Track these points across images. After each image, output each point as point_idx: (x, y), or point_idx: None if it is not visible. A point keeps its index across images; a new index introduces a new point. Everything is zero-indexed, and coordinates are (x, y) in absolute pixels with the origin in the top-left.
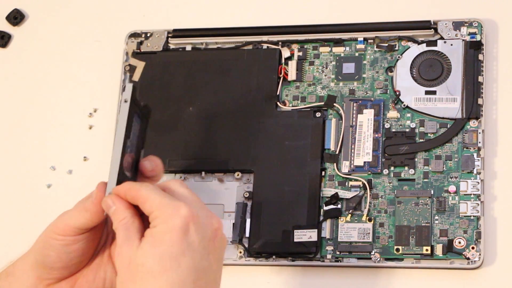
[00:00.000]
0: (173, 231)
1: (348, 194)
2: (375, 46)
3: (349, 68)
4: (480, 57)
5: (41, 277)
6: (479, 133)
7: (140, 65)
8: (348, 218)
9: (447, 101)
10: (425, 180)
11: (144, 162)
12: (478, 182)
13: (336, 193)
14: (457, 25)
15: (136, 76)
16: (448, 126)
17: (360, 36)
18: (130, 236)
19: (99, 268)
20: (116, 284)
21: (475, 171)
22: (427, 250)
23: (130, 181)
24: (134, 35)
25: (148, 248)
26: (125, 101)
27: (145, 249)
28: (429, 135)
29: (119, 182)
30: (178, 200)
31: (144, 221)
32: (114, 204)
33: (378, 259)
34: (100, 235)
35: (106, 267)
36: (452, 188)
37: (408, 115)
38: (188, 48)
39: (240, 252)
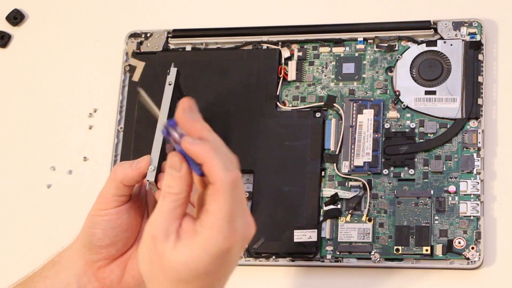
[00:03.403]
0: (214, 254)
1: (348, 194)
2: (375, 46)
3: (349, 68)
4: (480, 57)
5: (89, 260)
6: (479, 133)
7: (140, 65)
8: (348, 218)
9: (447, 101)
10: (425, 180)
11: None
12: (478, 182)
13: (336, 193)
14: (457, 25)
15: (136, 76)
16: (448, 126)
17: (360, 36)
18: (171, 221)
19: None
20: (139, 259)
21: (475, 171)
22: (427, 250)
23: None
24: (134, 35)
25: (194, 252)
26: (169, 84)
27: (186, 252)
28: (429, 135)
29: (160, 161)
30: (234, 231)
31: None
32: (181, 169)
33: (378, 259)
34: (143, 211)
35: None
36: (452, 188)
37: (408, 115)
38: (188, 48)
39: None
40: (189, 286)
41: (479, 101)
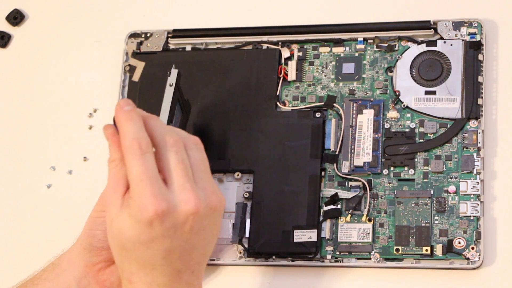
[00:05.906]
0: (140, 223)
1: (348, 194)
2: (375, 46)
3: (349, 68)
4: (480, 57)
5: (90, 263)
6: (479, 133)
7: (140, 65)
8: (348, 218)
9: (447, 101)
10: (425, 180)
11: None
12: (478, 182)
13: (336, 193)
14: (457, 25)
15: (136, 76)
16: (448, 126)
17: (360, 36)
18: (116, 188)
19: None
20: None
21: (475, 171)
22: (426, 250)
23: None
24: (134, 35)
25: (127, 220)
26: (170, 85)
27: (124, 219)
28: (429, 135)
29: None
30: (158, 196)
31: None
32: (109, 138)
33: (378, 259)
34: None
35: None
36: (452, 188)
37: (408, 115)
38: (188, 48)
39: (240, 252)
40: (131, 255)
41: (479, 101)
